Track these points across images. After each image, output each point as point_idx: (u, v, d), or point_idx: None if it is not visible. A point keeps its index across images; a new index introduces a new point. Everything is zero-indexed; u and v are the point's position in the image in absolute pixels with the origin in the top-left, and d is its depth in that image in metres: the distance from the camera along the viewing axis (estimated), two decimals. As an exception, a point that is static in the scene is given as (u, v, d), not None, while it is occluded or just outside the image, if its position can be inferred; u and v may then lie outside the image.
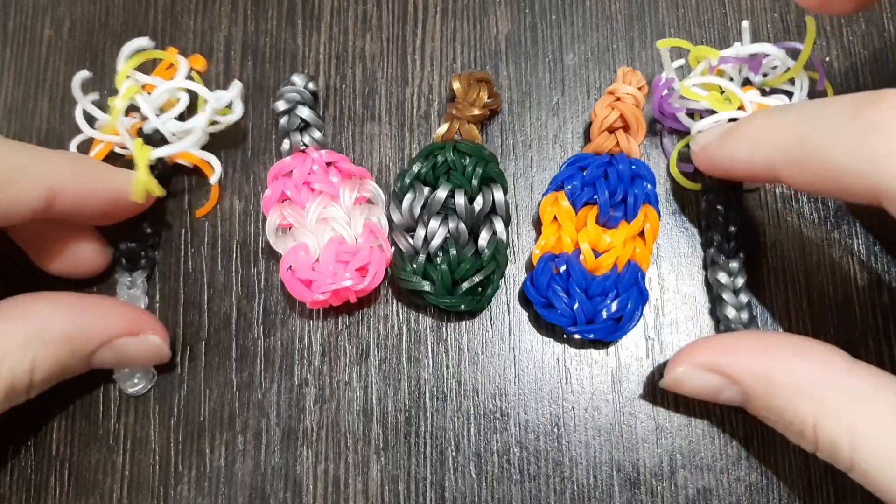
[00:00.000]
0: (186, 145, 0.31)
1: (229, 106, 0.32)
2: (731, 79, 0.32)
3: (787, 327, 0.31)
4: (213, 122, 0.32)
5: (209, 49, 0.35)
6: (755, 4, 0.35)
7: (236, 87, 0.32)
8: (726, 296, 0.30)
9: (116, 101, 0.30)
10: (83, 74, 0.31)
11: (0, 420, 0.26)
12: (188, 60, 0.32)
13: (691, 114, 0.32)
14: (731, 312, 0.30)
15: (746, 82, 0.32)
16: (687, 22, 0.35)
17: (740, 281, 0.30)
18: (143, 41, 0.31)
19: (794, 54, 0.31)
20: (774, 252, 0.32)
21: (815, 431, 0.24)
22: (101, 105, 0.31)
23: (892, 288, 0.31)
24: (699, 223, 0.32)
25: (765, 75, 0.32)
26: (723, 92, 0.31)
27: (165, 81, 0.31)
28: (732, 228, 0.31)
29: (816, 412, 0.24)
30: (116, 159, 0.31)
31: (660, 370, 0.30)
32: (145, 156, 0.30)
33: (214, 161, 0.32)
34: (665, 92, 0.32)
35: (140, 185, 0.29)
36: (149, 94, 0.31)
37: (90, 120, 0.32)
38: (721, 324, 0.30)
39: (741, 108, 0.31)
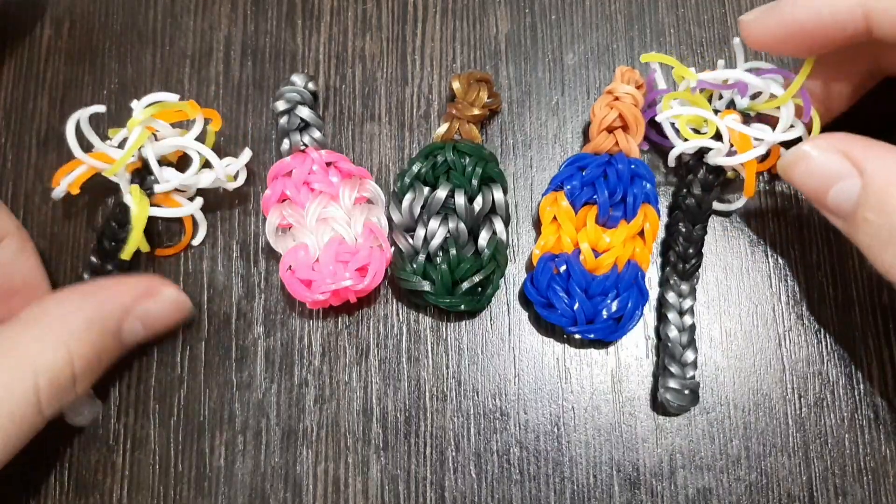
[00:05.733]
0: (185, 212, 0.31)
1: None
2: (721, 96, 0.32)
3: (787, 327, 0.31)
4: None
5: (209, 49, 0.35)
6: (755, 4, 0.35)
7: (246, 155, 0.31)
8: (671, 316, 0.30)
9: (126, 149, 0.30)
10: (96, 109, 0.30)
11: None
12: (204, 115, 0.31)
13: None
14: (672, 332, 0.30)
15: (732, 104, 0.31)
16: (687, 22, 0.35)
17: (688, 303, 0.30)
18: (170, 96, 0.31)
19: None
20: (774, 252, 0.32)
21: None
22: (97, 117, 0.31)
23: (892, 288, 0.31)
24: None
25: (753, 97, 0.31)
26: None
27: (177, 134, 0.31)
28: (691, 250, 0.30)
29: None
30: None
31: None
32: (144, 216, 0.29)
33: (202, 226, 0.32)
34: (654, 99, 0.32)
35: (133, 246, 0.30)
36: (154, 136, 0.30)
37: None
38: (661, 344, 0.30)
39: (718, 135, 0.30)
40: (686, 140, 0.31)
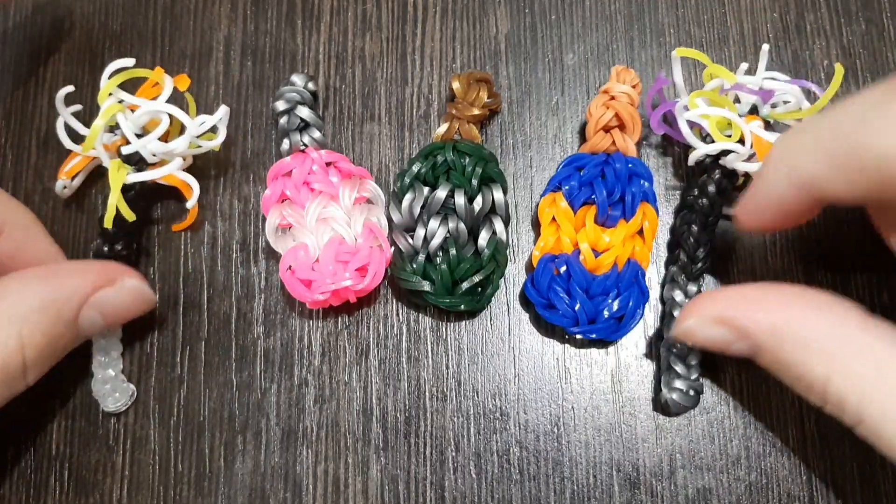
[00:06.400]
0: (163, 173, 0.30)
1: (216, 129, 0.31)
2: (739, 100, 0.31)
3: (786, 327, 0.31)
4: (196, 146, 0.31)
5: (209, 49, 0.35)
6: (755, 4, 0.35)
7: (220, 111, 0.31)
8: (677, 314, 0.30)
9: (96, 121, 0.30)
10: (66, 90, 0.30)
11: (1, 417, 0.26)
12: (173, 80, 0.31)
13: (690, 125, 0.31)
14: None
15: (754, 109, 0.31)
16: (686, 22, 0.35)
17: None
18: (126, 62, 0.31)
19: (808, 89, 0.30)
20: (774, 252, 0.32)
21: (825, 387, 0.24)
22: (94, 113, 0.31)
23: (893, 288, 0.31)
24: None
25: (774, 106, 0.31)
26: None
27: (148, 102, 0.31)
28: (701, 252, 0.30)
29: (828, 368, 0.23)
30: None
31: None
32: (120, 179, 0.29)
33: (194, 184, 0.31)
34: (674, 98, 0.32)
35: (112, 210, 0.29)
36: (133, 112, 0.31)
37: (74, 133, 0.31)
38: (664, 343, 0.30)
39: (741, 139, 0.30)
40: (705, 140, 0.30)
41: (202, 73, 0.35)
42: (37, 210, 0.33)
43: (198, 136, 0.31)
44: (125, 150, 0.30)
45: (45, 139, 0.34)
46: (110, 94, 0.30)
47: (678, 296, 0.30)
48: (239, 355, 0.31)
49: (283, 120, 0.32)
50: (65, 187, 0.32)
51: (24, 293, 0.26)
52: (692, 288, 0.30)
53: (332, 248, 0.30)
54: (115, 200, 0.29)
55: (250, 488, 0.30)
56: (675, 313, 0.30)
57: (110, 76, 0.30)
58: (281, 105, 0.32)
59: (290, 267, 0.30)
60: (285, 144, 0.32)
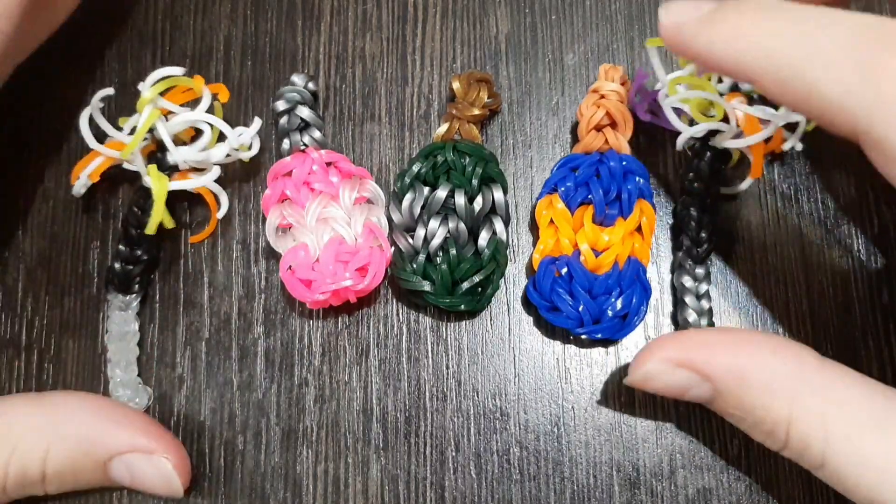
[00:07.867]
0: (203, 181, 0.31)
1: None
2: (721, 80, 0.32)
3: (786, 327, 0.31)
4: (226, 155, 0.31)
5: (209, 49, 0.35)
6: (755, 4, 0.35)
7: (257, 123, 0.31)
8: (688, 299, 0.30)
9: (139, 128, 0.30)
10: (105, 92, 0.30)
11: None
12: (210, 90, 0.31)
13: (677, 112, 0.31)
14: (691, 316, 0.30)
15: (736, 87, 0.32)
16: (687, 22, 0.35)
17: (704, 287, 0.30)
18: (171, 70, 0.31)
19: None
20: (774, 252, 0.32)
21: (787, 429, 0.24)
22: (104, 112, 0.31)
23: (893, 288, 0.31)
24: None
25: None
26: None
27: (188, 111, 0.31)
28: (703, 234, 0.30)
29: (791, 410, 0.24)
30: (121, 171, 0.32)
31: (624, 370, 0.30)
32: (164, 189, 0.29)
33: (223, 196, 0.31)
34: (656, 87, 0.32)
35: (156, 220, 0.29)
36: (165, 117, 0.31)
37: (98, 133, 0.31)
38: (680, 328, 0.30)
39: (725, 118, 0.30)
40: (692, 124, 0.31)
41: (202, 73, 0.35)
42: (36, 210, 0.33)
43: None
44: (169, 160, 0.30)
45: (44, 139, 0.34)
46: (149, 102, 0.30)
47: (687, 281, 0.30)
48: (239, 355, 0.31)
49: (283, 120, 0.32)
50: (83, 186, 0.31)
51: (68, 415, 0.26)
52: (700, 271, 0.31)
53: (332, 248, 0.30)
54: (161, 209, 0.29)
55: (250, 488, 0.30)
56: (687, 299, 0.30)
57: (153, 84, 0.30)
58: (281, 105, 0.32)
59: (291, 267, 0.30)
60: (285, 144, 0.32)
